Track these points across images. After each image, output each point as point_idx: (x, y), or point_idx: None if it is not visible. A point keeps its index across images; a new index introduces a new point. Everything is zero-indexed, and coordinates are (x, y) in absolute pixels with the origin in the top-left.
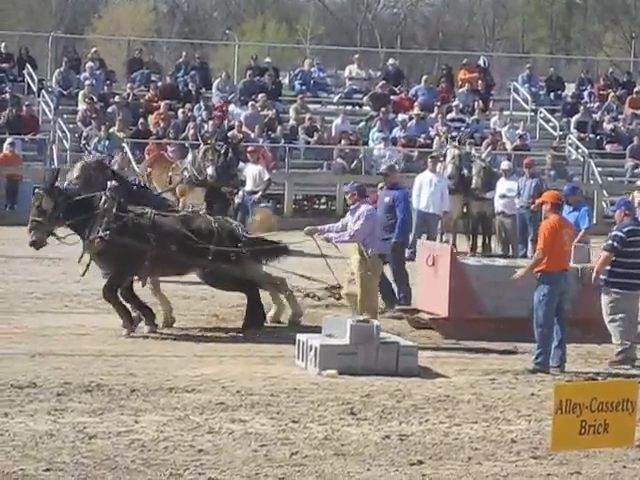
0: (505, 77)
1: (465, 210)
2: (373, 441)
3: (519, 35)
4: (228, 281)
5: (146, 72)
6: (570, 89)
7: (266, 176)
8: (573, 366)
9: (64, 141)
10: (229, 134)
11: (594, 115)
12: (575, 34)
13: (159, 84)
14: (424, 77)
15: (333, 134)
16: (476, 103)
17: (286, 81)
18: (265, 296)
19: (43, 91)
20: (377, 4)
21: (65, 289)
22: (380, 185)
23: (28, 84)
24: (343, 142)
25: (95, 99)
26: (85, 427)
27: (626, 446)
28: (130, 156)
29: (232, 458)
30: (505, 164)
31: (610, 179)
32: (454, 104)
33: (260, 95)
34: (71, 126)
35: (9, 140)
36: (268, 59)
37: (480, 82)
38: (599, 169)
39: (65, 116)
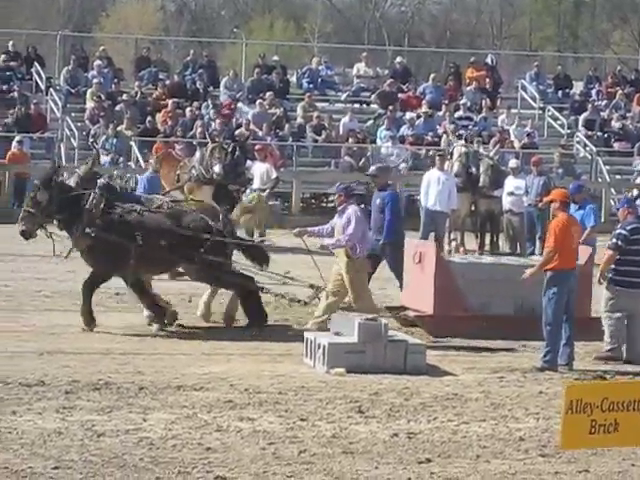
0: (513, 75)
1: (473, 208)
2: (381, 439)
3: (527, 33)
4: (216, 277)
5: (154, 70)
6: (578, 87)
7: (274, 174)
8: (581, 364)
9: (72, 139)
10: (236, 132)
11: (602, 113)
12: (583, 32)
13: (167, 82)
14: (432, 75)
15: (341, 132)
16: (484, 101)
17: (294, 79)
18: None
19: (51, 89)
20: (385, 2)
21: (73, 287)
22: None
23: (36, 82)
24: (351, 140)
25: (103, 97)
26: (93, 425)
27: (637, 446)
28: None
29: (240, 456)
30: (513, 162)
31: (618, 177)
32: (462, 102)
33: (268, 93)
34: (79, 124)
35: (17, 138)
36: (276, 57)
37: (488, 80)
38: (607, 167)
39: (73, 114)
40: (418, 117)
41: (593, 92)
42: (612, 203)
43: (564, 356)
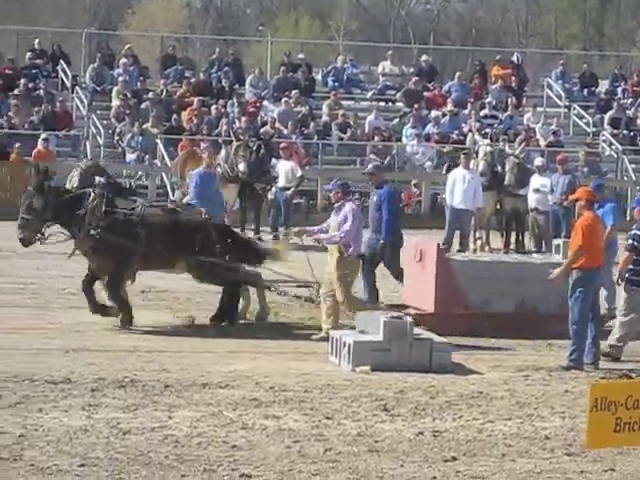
0: (538, 73)
1: (498, 206)
2: (407, 437)
3: (552, 31)
4: (215, 275)
5: (180, 68)
6: (604, 85)
7: (299, 172)
8: (607, 363)
9: (98, 137)
10: (261, 130)
11: (628, 111)
12: (608, 30)
13: (192, 80)
14: (457, 73)
15: (366, 130)
16: (509, 99)
17: (319, 77)
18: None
19: (77, 87)
20: (410, 0)
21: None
22: (414, 182)
23: (62, 80)
24: (376, 138)
25: (129, 95)
26: (119, 423)
27: None
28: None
29: (266, 454)
30: (538, 160)
31: None
32: (487, 100)
33: (293, 91)
34: (105, 122)
35: (43, 136)
36: (301, 55)
37: (513, 78)
38: (632, 165)
39: (99, 112)
40: (443, 115)
41: (619, 90)
42: None
43: (590, 355)
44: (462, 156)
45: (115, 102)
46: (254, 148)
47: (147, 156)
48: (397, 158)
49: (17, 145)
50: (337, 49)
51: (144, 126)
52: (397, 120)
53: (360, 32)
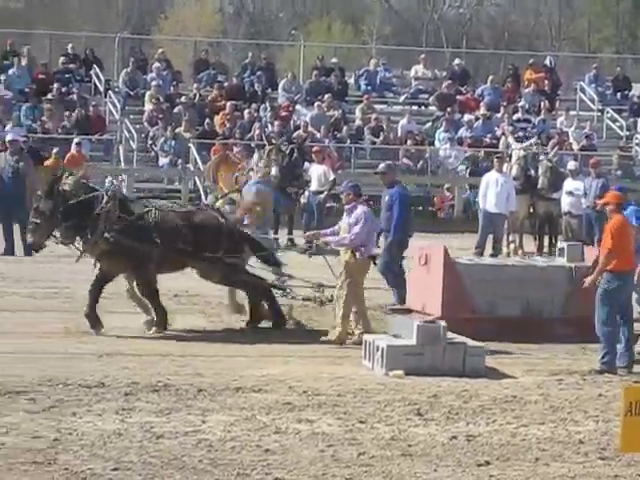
0: (571, 77)
1: (532, 210)
2: (440, 442)
3: (585, 35)
4: (233, 277)
5: (212, 73)
6: (637, 89)
7: (331, 176)
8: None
9: (131, 141)
10: (294, 134)
11: None
12: None
13: (225, 85)
14: (490, 77)
15: (399, 134)
16: (542, 103)
17: (352, 81)
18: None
19: (110, 92)
20: (443, 4)
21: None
22: (446, 186)
23: (95, 85)
24: (409, 142)
25: (161, 99)
26: (152, 427)
27: None
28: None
29: (299, 458)
30: (571, 164)
31: None
32: (520, 104)
33: (326, 95)
34: (137, 126)
35: (76, 140)
36: (334, 59)
37: (546, 82)
38: None
39: (132, 116)
40: (476, 119)
41: None
42: None
43: (623, 358)
44: (495, 160)
45: (148, 106)
46: (287, 152)
47: (180, 160)
48: (430, 162)
49: (55, 150)
50: (370, 53)
51: (177, 130)
52: (430, 124)
53: (393, 36)
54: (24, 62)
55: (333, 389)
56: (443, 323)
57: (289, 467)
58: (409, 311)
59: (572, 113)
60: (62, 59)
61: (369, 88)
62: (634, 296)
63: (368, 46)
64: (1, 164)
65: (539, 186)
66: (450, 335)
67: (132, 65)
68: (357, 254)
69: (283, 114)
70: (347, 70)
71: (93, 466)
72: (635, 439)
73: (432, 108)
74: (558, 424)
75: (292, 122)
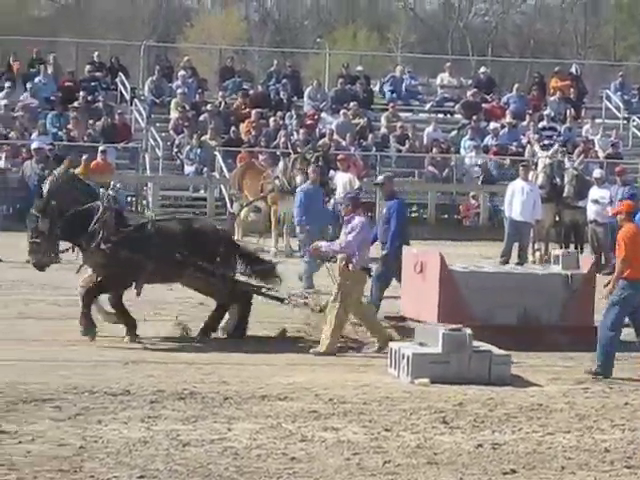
0: (597, 85)
1: (557, 218)
2: (466, 450)
3: (611, 43)
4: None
5: (238, 80)
6: None
7: (356, 184)
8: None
9: (156, 149)
10: (319, 142)
11: None
12: None
13: (251, 92)
14: (516, 85)
15: (424, 142)
16: (568, 111)
17: (377, 89)
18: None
19: (135, 100)
20: (468, 12)
21: (156, 297)
22: (472, 194)
23: (121, 93)
24: (435, 150)
25: (187, 107)
26: (178, 434)
27: None
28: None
29: (325, 466)
30: (597, 172)
31: None
32: (546, 112)
33: (351, 103)
34: (163, 134)
35: (101, 148)
36: (360, 67)
37: (572, 90)
38: None
39: (157, 124)
40: (502, 127)
41: None
42: None
43: None
44: (521, 168)
45: (174, 114)
46: (312, 160)
47: (205, 168)
48: (455, 170)
49: (84, 157)
50: (395, 61)
51: (202, 138)
52: (455, 132)
53: (418, 44)
54: (50, 70)
55: (359, 397)
56: (469, 331)
57: (315, 475)
58: (403, 319)
59: (598, 121)
60: (88, 67)
61: (394, 96)
62: None
63: (393, 54)
64: (27, 172)
65: (565, 194)
66: (476, 343)
67: (158, 73)
68: (350, 266)
69: (308, 122)
70: (372, 78)
71: (119, 474)
72: None
73: (458, 116)
74: (584, 432)
75: (317, 130)
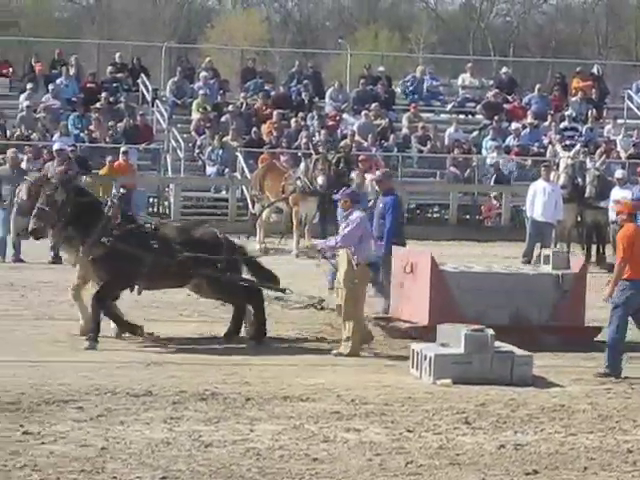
0: (619, 85)
1: (579, 219)
2: (488, 450)
3: (633, 43)
4: (227, 292)
5: (259, 81)
6: None
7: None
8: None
9: (178, 150)
10: (341, 143)
11: None
12: None
13: (272, 93)
14: (537, 85)
15: (446, 143)
16: (590, 111)
17: (399, 90)
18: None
19: (157, 101)
20: (490, 12)
21: (179, 298)
22: (493, 194)
23: (142, 94)
24: (456, 151)
25: (209, 108)
26: (201, 435)
27: None
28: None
29: (347, 467)
30: (619, 172)
31: None
32: (567, 113)
33: (373, 104)
34: (185, 135)
35: (123, 149)
36: (381, 68)
37: (594, 90)
38: None
39: (179, 125)
40: (524, 127)
41: None
42: None
43: None
44: (542, 168)
45: (195, 115)
46: (333, 161)
47: (227, 169)
48: (477, 171)
49: (109, 159)
50: (416, 62)
51: (224, 139)
52: (477, 132)
53: (439, 44)
54: (72, 71)
55: (380, 398)
56: (491, 332)
57: (337, 476)
58: (391, 320)
59: (619, 121)
60: (110, 68)
61: (416, 97)
62: None
63: (415, 55)
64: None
65: (587, 195)
66: (498, 344)
67: (179, 74)
68: (352, 261)
69: (330, 123)
70: (394, 79)
71: (141, 475)
72: None
73: (479, 117)
74: (606, 433)
75: (339, 131)
